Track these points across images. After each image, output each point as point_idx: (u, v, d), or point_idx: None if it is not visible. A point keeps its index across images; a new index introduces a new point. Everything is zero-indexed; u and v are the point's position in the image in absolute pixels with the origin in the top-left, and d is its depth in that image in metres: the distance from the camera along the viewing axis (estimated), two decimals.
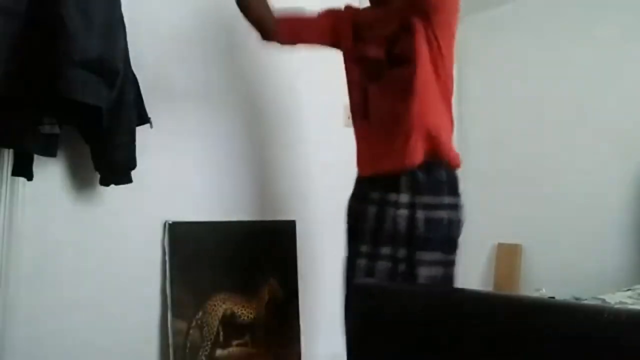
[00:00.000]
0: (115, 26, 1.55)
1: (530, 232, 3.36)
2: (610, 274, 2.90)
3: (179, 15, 2.04)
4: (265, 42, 1.81)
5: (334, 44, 1.80)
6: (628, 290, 2.28)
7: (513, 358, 1.06)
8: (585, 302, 1.98)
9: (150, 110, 1.73)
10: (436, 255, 1.52)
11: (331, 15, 1.80)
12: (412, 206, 1.51)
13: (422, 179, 1.53)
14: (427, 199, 1.52)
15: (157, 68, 1.91)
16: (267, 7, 1.76)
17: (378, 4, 1.73)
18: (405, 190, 1.52)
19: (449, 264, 1.55)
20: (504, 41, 3.57)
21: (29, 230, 1.55)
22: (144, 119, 1.71)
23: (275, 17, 1.75)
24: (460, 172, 1.69)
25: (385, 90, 1.62)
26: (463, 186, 1.74)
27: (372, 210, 1.59)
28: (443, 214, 1.52)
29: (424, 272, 1.49)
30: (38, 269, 1.58)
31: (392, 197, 1.53)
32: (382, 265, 1.54)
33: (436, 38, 1.56)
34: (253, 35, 1.80)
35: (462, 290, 1.51)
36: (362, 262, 1.58)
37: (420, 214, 1.51)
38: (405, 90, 1.55)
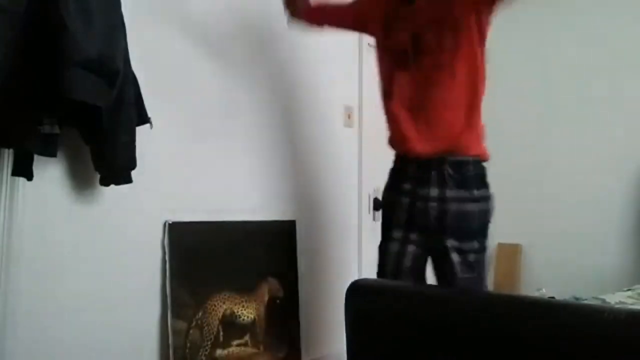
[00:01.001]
0: (115, 26, 1.55)
1: (530, 232, 3.36)
2: (610, 274, 2.91)
3: (179, 15, 2.04)
4: (292, 21, 1.93)
5: (360, 29, 1.84)
6: (628, 290, 2.28)
7: (513, 358, 1.06)
8: (585, 302, 1.99)
9: (151, 110, 1.73)
10: (470, 245, 1.61)
11: (360, 1, 1.83)
12: (442, 199, 1.61)
13: (451, 174, 1.61)
14: (456, 193, 1.61)
15: (158, 68, 1.91)
16: None
17: None
18: (435, 185, 1.62)
19: (482, 251, 1.64)
20: (503, 40, 3.56)
21: (29, 230, 1.55)
22: (144, 119, 1.71)
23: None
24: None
25: (412, 78, 1.67)
26: None
27: (405, 201, 1.68)
28: (474, 207, 1.62)
29: (457, 259, 1.60)
30: (38, 269, 1.58)
31: (423, 191, 1.63)
32: (412, 248, 1.67)
33: (481, 35, 1.63)
34: (252, 36, 1.80)
35: (461, 290, 1.52)
36: (394, 246, 1.70)
37: (451, 207, 1.60)
38: (430, 79, 1.62)
